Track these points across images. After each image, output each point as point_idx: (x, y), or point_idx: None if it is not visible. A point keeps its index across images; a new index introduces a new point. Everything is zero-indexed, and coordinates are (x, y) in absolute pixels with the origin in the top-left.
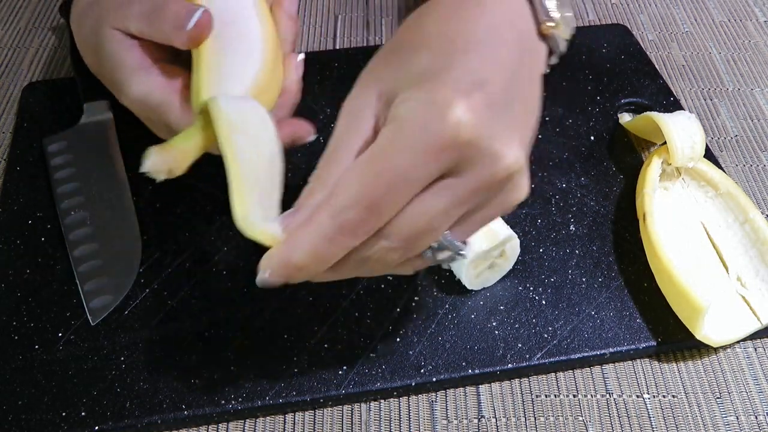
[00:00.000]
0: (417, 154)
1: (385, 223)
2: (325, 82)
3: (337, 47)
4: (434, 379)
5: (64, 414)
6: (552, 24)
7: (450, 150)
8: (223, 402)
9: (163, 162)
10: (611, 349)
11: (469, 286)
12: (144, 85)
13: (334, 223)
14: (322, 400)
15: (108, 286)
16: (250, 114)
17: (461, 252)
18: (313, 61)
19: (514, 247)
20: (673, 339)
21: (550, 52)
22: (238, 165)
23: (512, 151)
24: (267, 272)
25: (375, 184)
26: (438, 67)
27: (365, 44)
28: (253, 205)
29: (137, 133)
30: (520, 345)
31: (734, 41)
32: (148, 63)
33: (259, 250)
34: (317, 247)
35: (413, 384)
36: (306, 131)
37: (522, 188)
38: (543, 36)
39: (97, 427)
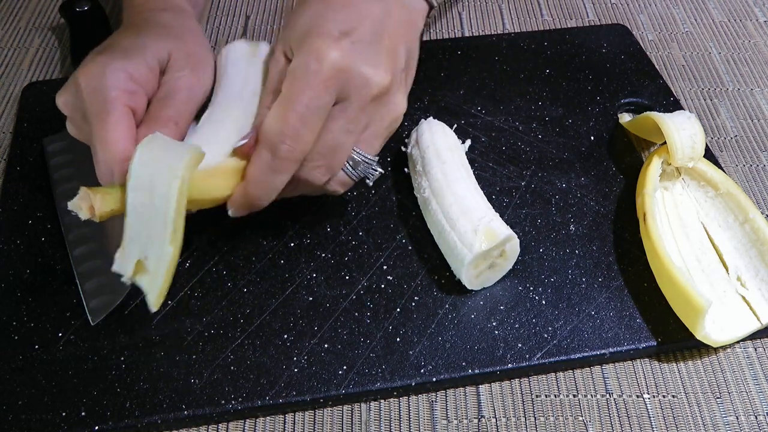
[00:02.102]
0: (310, 89)
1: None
2: None
3: None
4: (434, 379)
5: (64, 414)
6: None
7: (332, 80)
8: (223, 402)
9: (86, 203)
10: (611, 349)
11: (469, 286)
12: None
13: (273, 154)
14: (322, 400)
15: (108, 286)
16: (162, 166)
17: (373, 164)
18: None
19: (514, 247)
20: (673, 339)
21: (430, 8)
22: (127, 219)
23: (379, 74)
24: (232, 209)
25: (291, 119)
26: (314, 25)
27: None
28: (128, 256)
29: None
30: (520, 345)
31: (734, 41)
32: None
33: (259, 251)
34: (266, 178)
35: (413, 384)
36: None
37: (398, 103)
38: None
39: (97, 427)
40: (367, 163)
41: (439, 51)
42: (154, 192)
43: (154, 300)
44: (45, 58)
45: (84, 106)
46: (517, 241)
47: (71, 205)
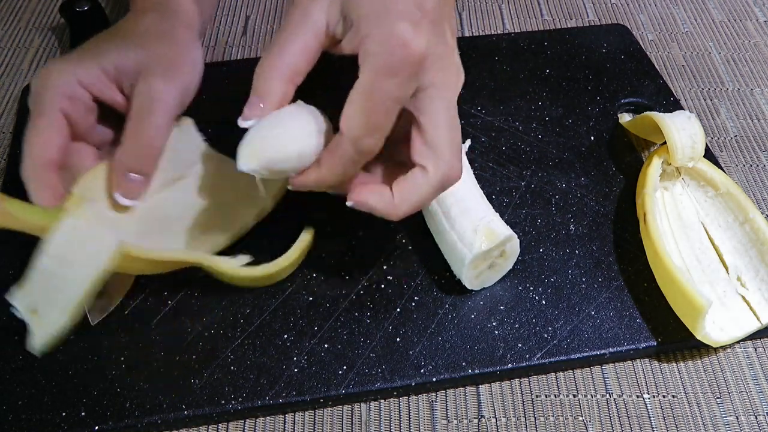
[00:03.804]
0: (395, 79)
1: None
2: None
3: None
4: (434, 379)
5: (64, 414)
6: None
7: (416, 66)
8: (223, 402)
9: None
10: (611, 349)
11: (469, 286)
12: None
13: (356, 149)
14: (322, 400)
15: (108, 286)
16: (82, 253)
17: None
18: None
19: (514, 247)
20: (673, 339)
21: None
22: (33, 274)
23: (450, 48)
24: (295, 185)
25: (376, 113)
26: (386, 1)
27: None
28: (24, 298)
29: None
30: (520, 345)
31: (734, 41)
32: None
33: (259, 251)
34: (344, 168)
35: (413, 384)
36: None
37: (460, 67)
38: None
39: (97, 427)
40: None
41: None
42: (68, 270)
43: (37, 344)
44: (45, 58)
45: (30, 106)
46: (517, 241)
47: None
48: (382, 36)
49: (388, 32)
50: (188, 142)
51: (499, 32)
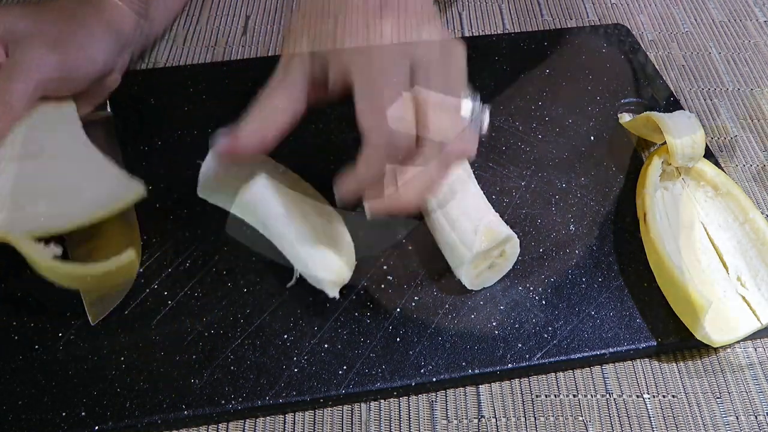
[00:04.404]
0: (388, 70)
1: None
2: None
3: None
4: (434, 379)
5: (64, 414)
6: None
7: (399, 52)
8: (223, 402)
9: None
10: (611, 349)
11: (469, 286)
12: None
13: (384, 148)
14: (322, 400)
15: (108, 286)
16: None
17: (477, 101)
18: None
19: (514, 247)
20: (673, 339)
21: None
22: None
23: (433, 27)
24: (371, 213)
25: (382, 110)
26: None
27: None
28: None
29: (137, 133)
30: (520, 345)
31: (734, 41)
32: None
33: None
34: (379, 166)
35: (413, 384)
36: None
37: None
38: None
39: (97, 427)
40: (475, 102)
41: None
42: None
43: None
44: None
45: None
46: (517, 241)
47: None
48: (355, 70)
49: (357, 32)
50: (59, 124)
51: (499, 32)
